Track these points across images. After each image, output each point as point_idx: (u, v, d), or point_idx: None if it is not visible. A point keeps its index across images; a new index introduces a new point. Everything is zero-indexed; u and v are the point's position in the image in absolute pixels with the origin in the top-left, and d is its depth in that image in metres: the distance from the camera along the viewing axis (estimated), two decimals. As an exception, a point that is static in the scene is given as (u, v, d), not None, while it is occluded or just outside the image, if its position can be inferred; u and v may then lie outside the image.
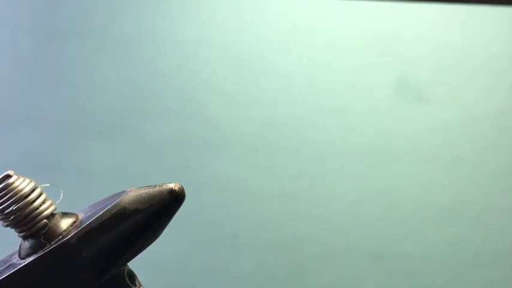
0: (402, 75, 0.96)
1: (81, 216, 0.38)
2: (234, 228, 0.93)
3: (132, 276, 0.38)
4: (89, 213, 0.37)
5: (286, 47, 0.99)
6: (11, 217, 0.36)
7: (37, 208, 0.37)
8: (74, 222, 0.37)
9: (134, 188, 0.37)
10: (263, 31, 0.99)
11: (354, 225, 0.93)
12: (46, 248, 0.36)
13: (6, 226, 0.37)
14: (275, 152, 0.95)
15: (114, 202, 0.36)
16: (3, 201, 0.36)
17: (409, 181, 0.93)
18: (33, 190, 0.37)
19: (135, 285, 0.38)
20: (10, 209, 0.36)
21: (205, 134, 0.96)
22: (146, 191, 0.37)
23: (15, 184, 0.36)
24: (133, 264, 0.38)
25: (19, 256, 0.37)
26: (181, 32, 1.00)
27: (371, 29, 0.98)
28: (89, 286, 0.36)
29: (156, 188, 0.37)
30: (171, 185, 0.37)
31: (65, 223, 0.37)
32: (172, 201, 0.37)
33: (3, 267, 0.37)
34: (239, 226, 0.93)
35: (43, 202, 0.37)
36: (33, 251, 0.36)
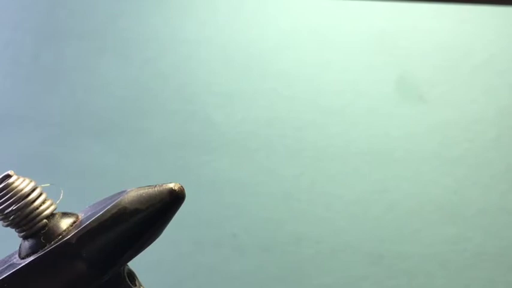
0: (402, 75, 0.96)
1: (81, 216, 0.38)
2: (234, 228, 0.93)
3: (132, 276, 0.38)
4: (89, 213, 0.37)
5: (286, 47, 0.99)
6: (11, 217, 0.36)
7: (37, 208, 0.37)
8: (74, 222, 0.37)
9: (134, 188, 0.37)
10: (263, 31, 0.99)
11: (353, 225, 0.93)
12: (46, 248, 0.36)
13: (6, 226, 0.37)
14: (275, 152, 0.95)
15: (114, 202, 0.36)
16: (3, 201, 0.36)
17: (409, 181, 0.93)
18: (33, 190, 0.37)
19: (135, 285, 0.38)
20: (10, 208, 0.36)
21: (205, 134, 0.96)
22: (146, 191, 0.37)
23: (15, 184, 0.36)
24: (133, 264, 0.38)
25: (19, 256, 0.37)
26: (181, 32, 1.00)
27: (371, 29, 0.98)
28: (88, 286, 0.35)
29: (156, 188, 0.37)
30: (171, 185, 0.37)
31: (65, 223, 0.37)
32: (172, 201, 0.37)
33: (3, 267, 0.37)
34: (239, 226, 0.93)
35: (43, 202, 0.37)
36: (33, 250, 0.36)
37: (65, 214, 0.37)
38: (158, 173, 0.96)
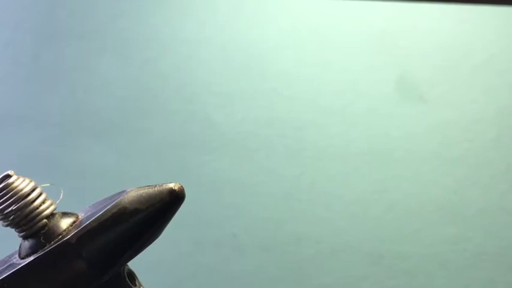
0: (402, 75, 0.96)
1: (81, 216, 0.38)
2: (234, 228, 0.93)
3: (132, 276, 0.38)
4: (89, 213, 0.37)
5: (286, 47, 0.99)
6: (11, 217, 0.36)
7: (37, 208, 0.37)
8: (74, 222, 0.37)
9: (134, 188, 0.37)
10: (263, 31, 0.99)
11: (353, 225, 0.93)
12: (46, 247, 0.36)
13: (6, 226, 0.37)
14: (275, 152, 0.95)
15: (114, 202, 0.36)
16: (3, 201, 0.36)
17: (409, 181, 0.93)
18: (33, 190, 0.37)
19: (135, 285, 0.38)
20: (10, 208, 0.36)
21: (205, 134, 0.96)
22: (146, 191, 0.37)
23: (15, 184, 0.36)
24: (133, 264, 0.38)
25: (19, 256, 0.37)
26: (181, 32, 1.00)
27: (371, 29, 0.98)
28: (88, 286, 0.35)
29: (156, 188, 0.37)
30: (171, 185, 0.37)
31: (64, 223, 0.37)
32: (172, 201, 0.37)
33: (3, 267, 0.37)
34: (239, 226, 0.93)
35: (43, 202, 0.37)
36: (33, 250, 0.36)
37: (65, 214, 0.37)
38: (158, 173, 0.95)
